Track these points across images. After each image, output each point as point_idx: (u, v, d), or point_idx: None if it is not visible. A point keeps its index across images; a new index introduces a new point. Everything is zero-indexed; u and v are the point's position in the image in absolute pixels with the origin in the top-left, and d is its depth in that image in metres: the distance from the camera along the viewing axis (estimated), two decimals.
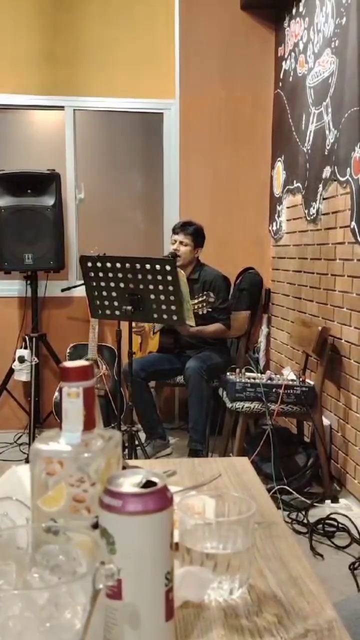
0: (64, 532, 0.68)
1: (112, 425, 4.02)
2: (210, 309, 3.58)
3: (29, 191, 4.12)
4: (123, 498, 0.64)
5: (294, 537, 0.99)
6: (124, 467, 1.18)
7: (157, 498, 0.66)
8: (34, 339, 4.20)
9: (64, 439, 0.71)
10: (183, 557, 0.83)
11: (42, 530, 0.68)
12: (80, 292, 3.47)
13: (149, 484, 0.67)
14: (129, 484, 0.67)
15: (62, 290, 4.36)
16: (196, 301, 3.56)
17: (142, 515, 0.64)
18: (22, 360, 4.19)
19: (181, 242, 3.85)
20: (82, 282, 3.35)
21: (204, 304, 3.55)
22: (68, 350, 4.31)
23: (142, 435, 3.83)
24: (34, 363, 4.10)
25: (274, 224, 4.58)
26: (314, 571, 2.44)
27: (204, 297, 3.56)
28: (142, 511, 0.64)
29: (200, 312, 3.56)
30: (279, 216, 4.48)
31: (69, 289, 4.35)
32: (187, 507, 0.87)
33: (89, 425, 0.73)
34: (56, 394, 4.18)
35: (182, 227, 3.88)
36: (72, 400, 0.71)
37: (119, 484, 0.67)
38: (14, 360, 4.22)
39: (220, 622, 0.77)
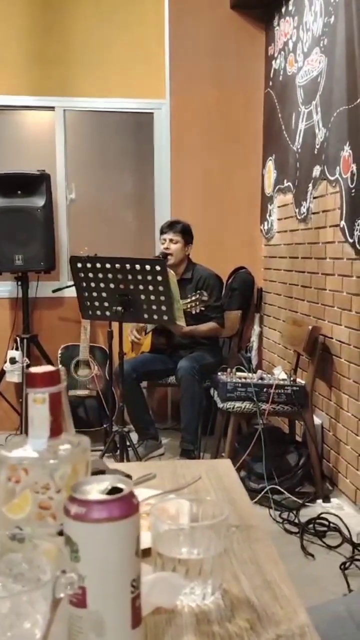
0: (29, 539, 0.68)
1: (104, 426, 4.01)
2: (203, 308, 3.58)
3: (19, 192, 4.10)
4: (86, 505, 0.64)
5: (271, 541, 0.99)
6: (101, 472, 1.17)
7: (122, 505, 0.65)
8: (25, 340, 4.18)
9: (30, 446, 0.70)
10: (155, 563, 0.82)
11: (7, 538, 0.67)
12: (72, 292, 3.46)
13: (114, 490, 0.67)
14: (94, 490, 0.66)
15: (53, 291, 4.34)
16: (189, 300, 3.55)
17: (106, 522, 0.64)
18: (13, 361, 4.18)
19: (171, 240, 3.85)
20: (73, 283, 3.34)
21: (197, 303, 3.54)
22: (60, 352, 4.30)
23: (135, 436, 3.83)
24: (25, 364, 4.09)
25: (265, 223, 4.58)
26: (305, 571, 2.42)
27: (197, 295, 3.55)
28: (106, 518, 0.64)
29: (194, 312, 3.55)
30: (270, 215, 4.47)
31: (60, 289, 4.34)
32: (161, 512, 0.87)
33: (55, 431, 0.72)
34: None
35: (170, 225, 3.89)
36: (37, 406, 0.70)
37: (84, 491, 0.66)
38: (5, 362, 4.21)
39: (191, 628, 0.77)
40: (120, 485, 0.67)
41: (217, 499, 1.15)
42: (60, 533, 0.68)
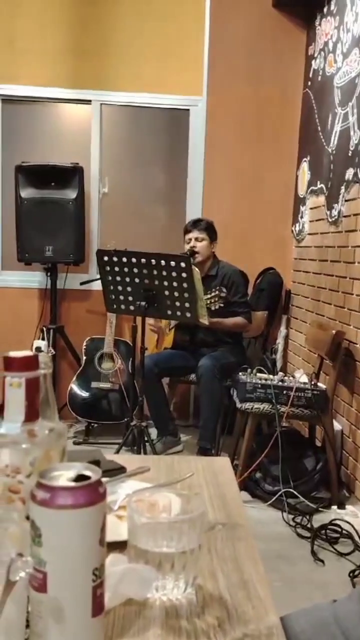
0: None
1: (125, 419, 4.03)
2: (222, 304, 3.57)
3: (52, 184, 4.14)
4: (51, 491, 0.64)
5: (255, 540, 0.98)
6: (97, 462, 1.18)
7: (87, 493, 0.65)
8: (51, 331, 4.23)
9: (3, 429, 0.71)
10: (130, 555, 0.82)
11: None
12: (99, 286, 3.48)
13: (82, 478, 0.67)
14: (61, 477, 0.67)
15: (81, 284, 4.38)
16: (208, 296, 3.55)
17: (70, 509, 0.64)
18: (39, 350, 4.20)
19: (197, 239, 3.86)
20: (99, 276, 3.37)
21: (216, 299, 3.54)
22: (85, 343, 4.33)
23: (154, 432, 3.84)
24: (50, 354, 4.12)
25: (297, 224, 4.54)
26: (313, 576, 2.40)
27: (217, 292, 3.55)
28: (70, 505, 0.64)
29: (213, 308, 3.55)
30: (302, 217, 4.43)
31: (88, 282, 4.37)
32: (140, 504, 0.87)
33: (31, 416, 0.73)
34: (71, 385, 4.20)
35: (194, 224, 3.91)
36: (14, 390, 0.71)
37: (51, 477, 0.66)
38: (31, 351, 4.25)
39: (159, 621, 0.76)
40: (87, 473, 0.67)
41: (209, 495, 1.15)
42: (29, 517, 0.68)
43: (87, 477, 0.67)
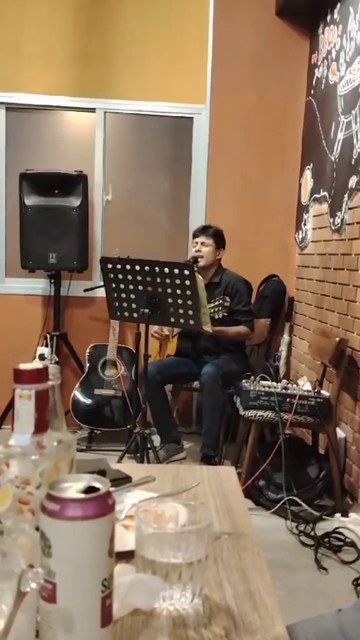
0: (8, 533, 0.69)
1: (128, 426, 4.04)
2: (225, 313, 3.58)
3: (56, 191, 4.16)
4: (61, 503, 0.65)
5: (261, 550, 0.98)
6: (102, 471, 1.18)
7: (97, 504, 0.66)
8: (55, 338, 4.24)
9: (14, 440, 0.72)
10: (137, 565, 0.83)
11: None
12: (103, 293, 3.50)
13: (91, 489, 0.67)
14: (71, 488, 0.67)
15: (85, 291, 4.39)
16: (212, 305, 3.56)
17: (79, 520, 0.65)
18: (42, 357, 4.22)
19: (203, 243, 3.88)
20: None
21: (220, 308, 3.55)
22: (88, 350, 4.34)
23: (157, 439, 3.84)
24: (53, 361, 4.14)
25: (300, 232, 4.55)
26: (317, 585, 2.40)
27: (220, 301, 3.56)
28: (80, 517, 0.65)
29: (216, 317, 3.56)
30: (305, 224, 4.44)
31: (91, 289, 4.38)
32: (147, 514, 0.87)
33: (40, 427, 0.73)
34: (74, 391, 4.21)
35: (203, 230, 3.94)
36: (23, 402, 0.72)
37: (60, 489, 0.67)
38: (34, 358, 4.26)
39: (167, 631, 0.77)
40: (96, 485, 0.68)
41: (215, 505, 1.16)
42: (38, 528, 0.69)
43: (96, 489, 0.67)
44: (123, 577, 0.78)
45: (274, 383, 3.36)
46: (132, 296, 3.25)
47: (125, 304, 3.29)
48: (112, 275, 3.25)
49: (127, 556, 0.87)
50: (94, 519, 0.65)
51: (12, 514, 0.71)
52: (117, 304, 3.32)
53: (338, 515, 3.17)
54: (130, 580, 0.78)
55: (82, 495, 0.66)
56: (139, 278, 3.19)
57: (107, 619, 0.68)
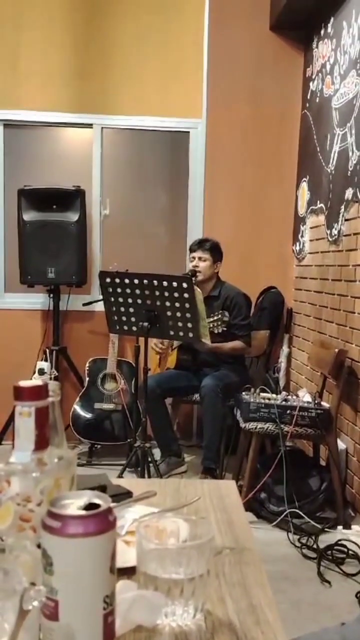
0: (10, 550, 0.69)
1: (128, 440, 4.03)
2: (225, 328, 3.59)
3: (54, 207, 4.18)
4: (62, 520, 0.65)
5: (263, 564, 0.98)
6: (103, 487, 1.18)
7: (98, 521, 0.66)
8: (54, 352, 4.25)
9: (15, 458, 0.72)
10: (139, 581, 0.83)
11: None
12: (102, 306, 3.51)
13: (92, 506, 0.68)
14: (72, 505, 0.68)
15: (84, 305, 4.40)
16: (211, 320, 3.56)
17: (80, 537, 0.65)
18: (41, 372, 4.22)
19: (200, 258, 3.87)
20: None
21: (219, 323, 3.56)
22: (87, 364, 4.34)
23: (158, 452, 3.83)
24: (53, 376, 4.14)
25: (297, 243, 4.57)
26: (320, 598, 2.39)
27: (219, 316, 3.57)
28: (81, 534, 0.65)
29: (216, 331, 3.56)
30: (302, 236, 4.46)
31: (90, 303, 4.39)
32: (148, 530, 0.87)
33: (41, 444, 0.74)
34: (74, 406, 4.21)
35: (199, 244, 3.92)
36: (24, 419, 0.72)
37: (61, 506, 0.67)
38: (34, 373, 4.26)
39: None
40: (97, 501, 0.68)
41: (216, 519, 1.15)
42: (40, 545, 0.69)
43: (97, 505, 0.68)
44: (125, 593, 0.78)
45: (274, 395, 3.35)
46: (131, 310, 3.26)
47: (124, 318, 3.30)
48: (110, 289, 3.26)
49: (128, 572, 0.86)
50: (95, 536, 0.65)
51: (13, 532, 0.71)
52: (116, 318, 3.33)
53: (340, 527, 3.16)
54: (132, 596, 0.78)
55: (83, 512, 0.66)
56: (137, 292, 3.20)
57: (110, 636, 0.68)
